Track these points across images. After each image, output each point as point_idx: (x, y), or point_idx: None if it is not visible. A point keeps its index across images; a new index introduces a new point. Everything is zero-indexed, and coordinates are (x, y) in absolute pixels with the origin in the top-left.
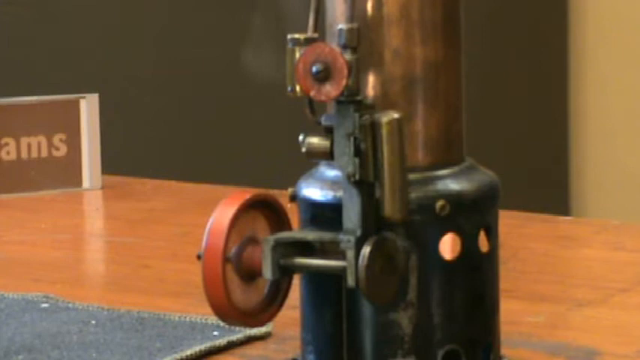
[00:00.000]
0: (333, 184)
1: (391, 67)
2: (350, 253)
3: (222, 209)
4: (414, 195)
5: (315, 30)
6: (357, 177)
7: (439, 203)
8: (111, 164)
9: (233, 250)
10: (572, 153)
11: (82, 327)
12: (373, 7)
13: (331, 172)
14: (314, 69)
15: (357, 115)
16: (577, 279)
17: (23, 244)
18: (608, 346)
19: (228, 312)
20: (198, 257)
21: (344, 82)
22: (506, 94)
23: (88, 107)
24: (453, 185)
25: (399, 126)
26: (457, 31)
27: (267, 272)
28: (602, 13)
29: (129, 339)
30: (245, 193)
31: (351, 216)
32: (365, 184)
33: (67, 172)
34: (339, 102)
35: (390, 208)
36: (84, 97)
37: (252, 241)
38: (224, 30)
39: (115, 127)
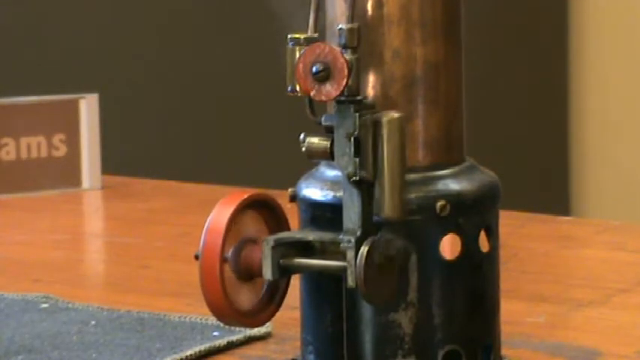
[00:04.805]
0: (333, 184)
1: (391, 67)
2: (350, 254)
3: (219, 209)
4: (414, 195)
5: (315, 30)
6: (357, 177)
7: (439, 203)
8: (111, 164)
9: (231, 250)
10: (572, 153)
11: (81, 327)
12: (373, 7)
13: (331, 172)
14: (314, 69)
15: (357, 115)
16: (577, 279)
17: (23, 244)
18: (608, 347)
19: (226, 312)
20: (196, 257)
21: (344, 82)
22: (506, 94)
23: (88, 107)
24: (454, 185)
25: (399, 126)
26: (457, 31)
27: (268, 272)
28: (602, 13)
29: (129, 339)
30: (243, 193)
31: (351, 216)
32: (365, 184)
33: (67, 172)
34: (339, 102)
35: (388, 208)
36: (83, 97)
37: (250, 241)
38: (224, 30)
39: (115, 127)
